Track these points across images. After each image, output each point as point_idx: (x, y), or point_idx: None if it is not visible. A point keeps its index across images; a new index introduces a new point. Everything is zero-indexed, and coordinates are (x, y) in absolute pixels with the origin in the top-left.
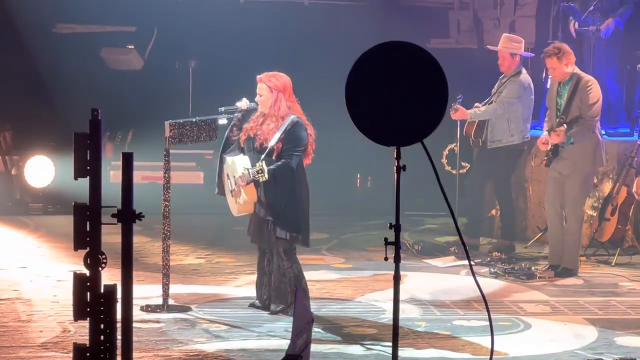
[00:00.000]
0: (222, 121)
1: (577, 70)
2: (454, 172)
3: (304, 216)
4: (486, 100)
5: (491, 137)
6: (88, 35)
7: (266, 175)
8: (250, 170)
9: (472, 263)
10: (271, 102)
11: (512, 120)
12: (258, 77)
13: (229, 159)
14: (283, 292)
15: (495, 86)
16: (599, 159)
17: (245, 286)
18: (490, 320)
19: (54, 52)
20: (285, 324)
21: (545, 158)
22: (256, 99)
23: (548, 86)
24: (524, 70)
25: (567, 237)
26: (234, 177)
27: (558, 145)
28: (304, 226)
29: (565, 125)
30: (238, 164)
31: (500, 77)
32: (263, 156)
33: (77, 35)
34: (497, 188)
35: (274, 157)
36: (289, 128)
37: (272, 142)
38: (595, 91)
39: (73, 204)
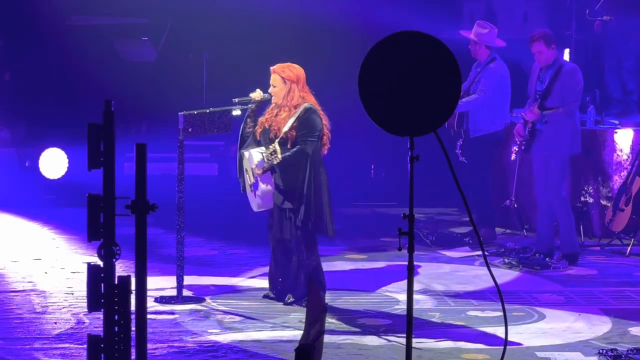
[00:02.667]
0: (236, 112)
1: (560, 57)
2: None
3: (324, 205)
4: (464, 90)
5: (473, 126)
6: (102, 27)
7: (279, 156)
8: (264, 155)
9: (486, 253)
10: (284, 93)
11: (493, 108)
12: (272, 68)
13: (245, 153)
14: (298, 282)
15: (471, 74)
16: (576, 144)
17: (259, 277)
18: (504, 310)
19: (68, 43)
20: (299, 314)
21: (524, 143)
22: (269, 90)
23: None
24: (497, 57)
25: (560, 220)
26: (252, 168)
27: (535, 129)
28: (325, 215)
29: (539, 104)
30: (255, 155)
31: (474, 64)
32: (277, 140)
33: (90, 27)
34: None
35: (288, 146)
36: (302, 115)
37: (285, 129)
38: (578, 77)
39: (87, 195)
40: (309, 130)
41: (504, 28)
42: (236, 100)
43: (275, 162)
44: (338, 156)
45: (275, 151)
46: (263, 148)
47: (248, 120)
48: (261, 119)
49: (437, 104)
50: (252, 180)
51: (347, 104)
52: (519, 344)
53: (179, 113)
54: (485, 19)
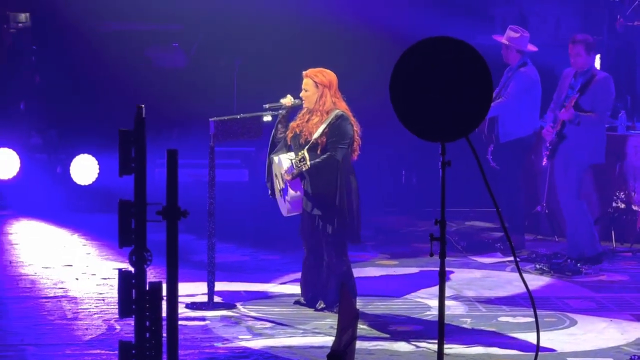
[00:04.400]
0: (267, 118)
1: (593, 65)
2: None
3: (353, 212)
4: (495, 95)
5: (503, 130)
6: (133, 33)
7: (308, 163)
8: (293, 161)
9: (518, 259)
10: (316, 98)
11: (522, 112)
12: (304, 73)
13: (275, 158)
14: (329, 288)
15: (502, 79)
16: (598, 153)
17: (290, 283)
18: (536, 316)
19: (100, 49)
20: (330, 320)
21: (550, 148)
22: (301, 94)
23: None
24: (529, 62)
25: (568, 224)
26: (281, 173)
27: (562, 134)
28: (353, 221)
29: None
30: (284, 161)
31: (506, 69)
32: (307, 147)
33: (122, 33)
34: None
35: (318, 152)
36: (334, 122)
37: (315, 135)
38: (610, 87)
39: (118, 201)
40: (340, 137)
41: (536, 33)
42: (267, 106)
43: (304, 169)
44: (369, 162)
45: (304, 158)
46: (292, 154)
47: (279, 126)
48: (292, 124)
49: (468, 109)
50: (282, 185)
51: (378, 109)
52: (550, 349)
53: (210, 119)
54: (517, 25)
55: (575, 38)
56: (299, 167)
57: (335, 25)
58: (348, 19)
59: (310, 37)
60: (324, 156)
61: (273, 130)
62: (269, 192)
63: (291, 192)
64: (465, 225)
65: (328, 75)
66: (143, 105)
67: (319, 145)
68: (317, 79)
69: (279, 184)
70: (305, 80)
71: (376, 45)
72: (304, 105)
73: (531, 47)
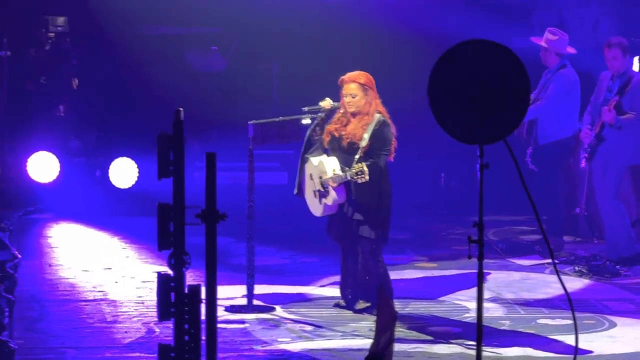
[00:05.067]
0: (306, 121)
1: (630, 67)
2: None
3: (388, 214)
4: (534, 97)
5: (542, 133)
6: (171, 36)
7: (366, 177)
8: (347, 172)
9: (556, 261)
10: (365, 101)
11: (561, 114)
12: (344, 78)
13: (313, 160)
14: (368, 291)
15: (541, 82)
16: (639, 154)
17: (329, 286)
18: (574, 318)
19: (138, 53)
20: (369, 323)
21: (589, 150)
22: (347, 101)
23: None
24: (568, 64)
25: (607, 225)
26: (320, 177)
27: (601, 136)
28: (387, 225)
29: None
30: (327, 165)
31: (545, 72)
32: (357, 157)
33: (160, 36)
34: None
35: (360, 155)
36: (377, 128)
37: (363, 143)
38: None
39: (157, 204)
40: (382, 144)
41: (574, 36)
42: (306, 109)
43: (360, 182)
44: (409, 165)
45: (362, 172)
46: (335, 160)
47: (317, 128)
48: (329, 127)
49: (506, 112)
50: (319, 187)
51: (417, 112)
52: (589, 352)
53: (249, 122)
54: (555, 27)
55: (611, 42)
56: (354, 178)
57: (373, 28)
58: (386, 22)
59: (348, 40)
60: (367, 163)
61: (309, 131)
62: (295, 190)
63: (333, 196)
64: (504, 228)
65: (369, 77)
66: (181, 109)
67: (362, 149)
68: (362, 81)
69: (314, 185)
70: (350, 86)
71: (414, 48)
72: (347, 109)
73: (570, 50)
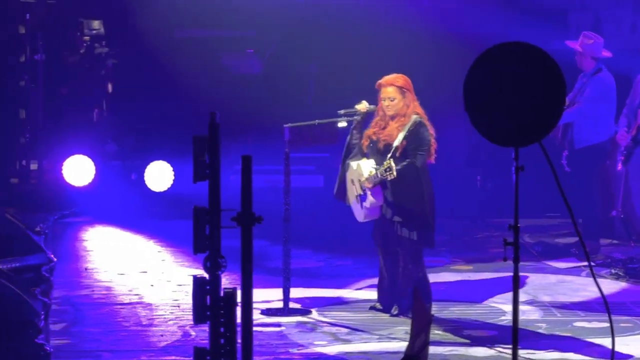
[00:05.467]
0: (342, 124)
1: None
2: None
3: (430, 217)
4: (569, 101)
5: (578, 137)
6: (208, 39)
7: (394, 173)
8: (377, 171)
9: (593, 264)
10: (403, 103)
11: (598, 118)
12: (382, 82)
13: (353, 164)
14: (404, 294)
15: (576, 85)
16: None
17: (365, 289)
18: (611, 321)
19: (175, 56)
20: (406, 326)
21: (623, 156)
22: (385, 104)
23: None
24: (604, 68)
25: None
26: (359, 180)
27: (637, 139)
28: (430, 227)
29: None
30: (364, 168)
31: (580, 75)
32: (389, 155)
33: (197, 40)
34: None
35: (397, 155)
36: (412, 128)
37: (396, 143)
38: None
39: (193, 207)
40: (419, 144)
41: (611, 38)
42: (342, 112)
43: (389, 179)
44: (445, 167)
45: (390, 168)
46: (372, 161)
47: (354, 131)
48: (367, 132)
49: (541, 115)
50: (359, 191)
51: (452, 114)
52: (627, 355)
53: (285, 125)
54: (591, 30)
55: None
56: (384, 176)
57: (409, 30)
58: (422, 24)
59: (385, 42)
60: (404, 163)
61: (348, 137)
62: (334, 191)
63: (371, 199)
64: (540, 231)
65: (406, 79)
66: (217, 112)
67: (398, 149)
68: (400, 83)
69: (355, 190)
70: (388, 89)
71: (451, 51)
72: (387, 113)
73: (605, 53)
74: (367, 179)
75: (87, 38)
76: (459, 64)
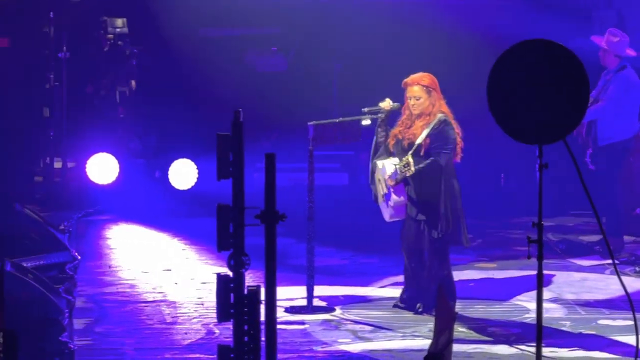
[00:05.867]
0: (366, 122)
1: None
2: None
3: (458, 215)
4: (593, 98)
5: (601, 134)
6: (232, 38)
7: (412, 169)
8: (397, 167)
9: (617, 262)
10: (429, 103)
11: (621, 115)
12: (407, 81)
13: (379, 163)
14: (429, 292)
15: (600, 82)
16: None
17: (389, 286)
18: (635, 319)
19: (199, 55)
20: (430, 324)
21: None
22: (411, 103)
23: None
24: (628, 65)
25: None
26: (385, 179)
27: None
28: (460, 225)
29: None
30: (388, 166)
31: (604, 72)
32: (411, 152)
33: (221, 38)
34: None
35: (421, 154)
36: (437, 126)
37: (419, 140)
38: None
39: (216, 205)
40: (443, 142)
41: (634, 35)
42: (366, 110)
43: (408, 174)
44: (468, 165)
45: (408, 163)
46: (396, 159)
47: (379, 129)
48: (394, 131)
49: (565, 112)
50: (385, 190)
51: (476, 112)
52: None
53: (309, 123)
54: (615, 27)
55: None
56: (402, 172)
57: (432, 28)
58: (445, 22)
59: (409, 40)
60: (428, 161)
61: (375, 136)
62: (373, 196)
63: (394, 197)
64: (564, 228)
65: (432, 78)
66: (241, 110)
67: (422, 147)
68: (425, 82)
69: (381, 189)
70: (413, 89)
71: (474, 48)
72: (414, 112)
73: (630, 52)
74: (389, 176)
75: (111, 36)
76: (482, 61)
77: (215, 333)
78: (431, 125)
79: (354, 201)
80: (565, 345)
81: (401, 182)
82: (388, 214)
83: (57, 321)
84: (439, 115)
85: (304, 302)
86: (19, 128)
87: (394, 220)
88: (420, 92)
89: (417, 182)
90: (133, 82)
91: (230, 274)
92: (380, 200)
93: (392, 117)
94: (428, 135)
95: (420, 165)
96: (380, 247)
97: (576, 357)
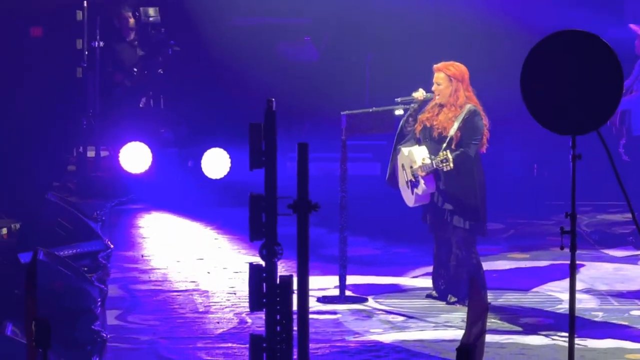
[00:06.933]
0: (399, 112)
1: None
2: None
3: (482, 205)
4: (626, 88)
5: (636, 124)
6: (264, 27)
7: (451, 164)
8: (433, 161)
9: None
10: (450, 91)
11: None
12: (435, 66)
13: (404, 150)
14: (460, 282)
15: (634, 72)
16: None
17: (422, 277)
18: None
19: (231, 44)
20: (462, 314)
21: None
22: (433, 89)
23: None
24: None
25: None
26: (411, 167)
27: None
28: (482, 215)
29: None
30: (416, 155)
31: (638, 62)
32: (445, 145)
33: (253, 27)
34: None
35: (453, 147)
36: (467, 117)
37: (451, 132)
38: None
39: (249, 195)
40: (473, 133)
41: None
42: (399, 99)
43: (446, 169)
44: (501, 155)
45: (447, 159)
46: (424, 147)
47: (410, 119)
48: (421, 117)
49: (599, 102)
50: (410, 178)
51: (509, 103)
52: None
53: (342, 113)
54: None
55: None
56: (439, 167)
57: (466, 18)
58: (479, 12)
59: (442, 30)
60: (458, 153)
61: (402, 121)
62: (387, 178)
63: (423, 186)
64: (597, 219)
65: (460, 68)
66: (273, 99)
67: (453, 140)
68: (450, 72)
69: (405, 176)
70: (437, 74)
71: (507, 39)
72: (435, 99)
73: None
74: (420, 167)
75: (132, 24)
76: (516, 52)
77: (247, 322)
78: (461, 117)
79: (386, 191)
80: (598, 336)
81: (431, 173)
82: (412, 200)
83: (90, 310)
84: (468, 106)
85: (336, 292)
86: (52, 118)
87: (417, 206)
88: (441, 79)
89: (447, 173)
90: (166, 72)
91: (263, 263)
92: (403, 185)
93: (424, 106)
94: (459, 128)
95: (452, 158)
96: (413, 237)
97: (608, 347)
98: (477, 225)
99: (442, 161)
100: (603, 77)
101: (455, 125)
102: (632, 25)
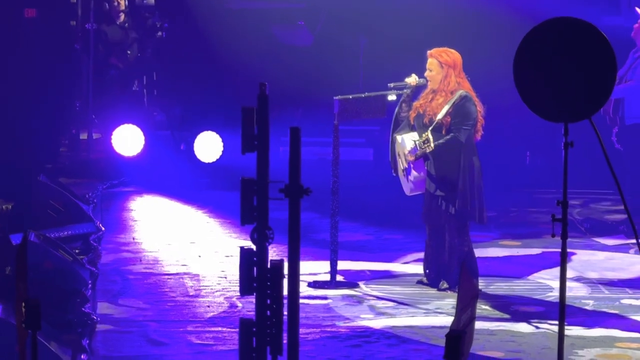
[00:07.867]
0: (391, 97)
1: None
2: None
3: (476, 192)
4: (620, 77)
5: (629, 113)
6: (258, 11)
7: (432, 145)
8: (417, 142)
9: None
10: (441, 78)
11: None
12: (429, 52)
13: (398, 138)
14: (451, 269)
15: (628, 61)
16: None
17: (413, 263)
18: None
19: (225, 27)
20: (452, 300)
21: None
22: (425, 74)
23: None
24: None
25: None
26: (404, 154)
27: None
28: (476, 202)
29: None
30: (407, 141)
31: (632, 51)
32: (430, 128)
33: (247, 11)
34: None
35: (443, 132)
36: (458, 102)
37: (439, 116)
38: None
39: (240, 178)
40: (464, 118)
41: None
42: (391, 85)
43: (428, 151)
44: (493, 143)
45: (428, 140)
46: (416, 134)
47: (403, 105)
48: (415, 104)
49: (592, 91)
50: (405, 165)
51: (502, 90)
52: None
53: (335, 97)
54: None
55: None
56: (422, 148)
57: (459, 4)
58: None
59: (436, 16)
60: (447, 137)
61: (397, 109)
62: (393, 170)
63: (414, 172)
64: (589, 207)
65: (452, 55)
66: (266, 83)
67: (443, 125)
68: (442, 58)
69: (401, 164)
70: (429, 60)
71: (500, 26)
72: (428, 85)
73: None
74: (409, 151)
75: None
76: (509, 39)
77: (237, 306)
78: (451, 102)
79: (379, 176)
80: (588, 324)
81: (421, 158)
82: (408, 188)
83: (80, 292)
84: (460, 92)
85: (327, 277)
86: (44, 99)
87: (414, 194)
88: (432, 65)
89: (437, 158)
90: (159, 55)
91: (254, 247)
92: (401, 174)
93: (417, 92)
94: (448, 113)
95: (440, 141)
96: (405, 223)
97: (598, 336)
98: (469, 212)
99: (424, 142)
100: (596, 65)
101: (445, 109)
102: (638, 9)
